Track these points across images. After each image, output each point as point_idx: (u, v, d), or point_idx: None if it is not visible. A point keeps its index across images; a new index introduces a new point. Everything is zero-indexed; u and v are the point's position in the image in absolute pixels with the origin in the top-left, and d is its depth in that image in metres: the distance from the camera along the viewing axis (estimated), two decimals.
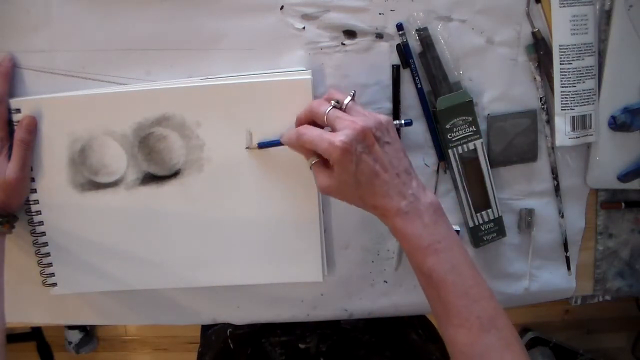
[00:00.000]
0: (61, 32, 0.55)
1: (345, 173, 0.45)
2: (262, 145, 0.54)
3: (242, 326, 0.64)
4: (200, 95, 0.54)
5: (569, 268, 0.63)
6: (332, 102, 0.48)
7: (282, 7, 0.54)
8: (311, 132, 0.47)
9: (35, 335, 1.51)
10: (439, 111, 0.55)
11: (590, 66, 0.56)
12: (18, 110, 0.55)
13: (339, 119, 0.46)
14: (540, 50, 0.56)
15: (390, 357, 0.63)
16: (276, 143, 0.53)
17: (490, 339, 0.44)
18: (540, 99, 0.57)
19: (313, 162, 0.48)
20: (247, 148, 0.55)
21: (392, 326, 0.65)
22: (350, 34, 0.55)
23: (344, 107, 0.48)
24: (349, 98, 0.48)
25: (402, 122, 0.51)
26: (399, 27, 0.54)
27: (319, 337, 0.65)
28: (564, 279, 0.63)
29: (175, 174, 0.57)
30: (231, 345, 0.68)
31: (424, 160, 0.59)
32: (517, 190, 0.60)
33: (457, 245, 0.46)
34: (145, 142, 0.56)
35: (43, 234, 0.58)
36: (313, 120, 0.49)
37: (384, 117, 0.47)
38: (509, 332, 0.45)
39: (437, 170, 0.59)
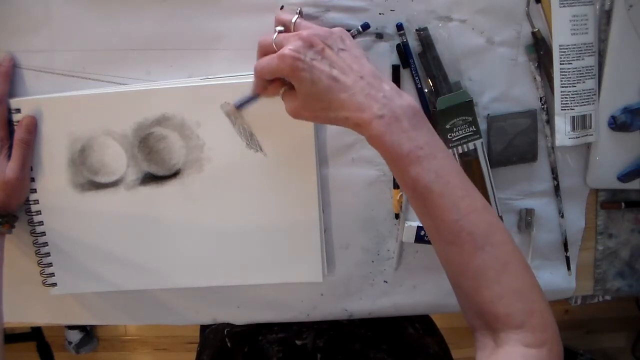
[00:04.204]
0: (61, 32, 0.55)
1: (303, 85, 0.43)
2: (239, 105, 0.53)
3: (240, 324, 0.64)
4: (200, 95, 0.54)
5: (569, 268, 0.63)
6: (277, 28, 0.46)
7: (282, 7, 0.54)
8: (262, 60, 0.45)
9: (35, 335, 1.51)
10: (439, 111, 0.55)
11: (590, 66, 0.56)
12: (18, 110, 0.55)
13: (286, 38, 0.44)
14: (540, 50, 0.56)
15: (387, 350, 0.62)
16: (250, 97, 0.52)
17: (485, 257, 0.41)
18: (540, 99, 0.57)
19: (282, 92, 0.47)
20: (234, 121, 0.54)
21: (389, 320, 0.65)
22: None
23: (292, 27, 0.46)
24: (296, 16, 0.46)
25: (359, 27, 0.49)
26: (399, 27, 0.54)
27: (315, 332, 0.65)
28: (564, 279, 0.63)
29: (175, 174, 0.57)
30: (228, 344, 0.67)
31: None
32: (517, 190, 0.60)
33: (441, 152, 0.42)
34: (145, 142, 0.56)
35: (43, 234, 0.58)
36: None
37: (336, 28, 0.45)
38: (507, 248, 0.42)
39: None
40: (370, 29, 0.55)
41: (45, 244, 0.59)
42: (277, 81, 0.47)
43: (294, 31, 0.46)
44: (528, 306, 0.41)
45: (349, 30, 0.48)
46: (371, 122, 0.41)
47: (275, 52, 0.44)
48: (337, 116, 0.43)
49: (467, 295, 0.43)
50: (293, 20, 0.46)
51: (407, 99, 0.43)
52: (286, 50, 0.42)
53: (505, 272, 0.41)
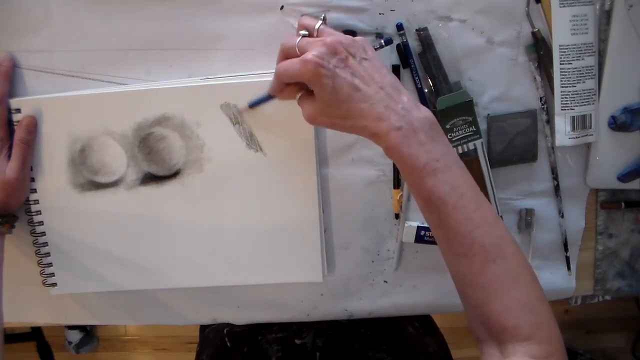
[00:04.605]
0: (61, 32, 0.55)
1: (323, 91, 0.43)
2: (253, 105, 0.53)
3: (240, 324, 0.64)
4: (200, 95, 0.54)
5: (569, 268, 0.63)
6: (301, 32, 0.46)
7: (282, 7, 0.54)
8: (284, 63, 0.45)
9: (35, 335, 1.51)
10: (439, 111, 0.55)
11: (590, 66, 0.56)
12: (18, 110, 0.55)
13: (309, 43, 0.44)
14: (540, 50, 0.56)
15: (387, 350, 0.63)
16: (265, 98, 0.52)
17: (495, 269, 0.41)
18: (540, 99, 0.57)
19: (299, 96, 0.47)
20: (235, 121, 0.54)
21: (389, 319, 0.65)
22: (350, 34, 0.55)
23: (315, 33, 0.46)
24: (320, 22, 0.46)
25: (382, 41, 0.49)
26: (399, 27, 0.54)
27: (315, 332, 0.65)
28: (564, 279, 0.63)
29: (175, 174, 0.57)
30: (228, 344, 0.68)
31: None
32: (517, 190, 0.60)
33: (456, 165, 0.43)
34: (145, 142, 0.56)
35: (43, 234, 0.58)
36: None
37: (359, 37, 0.45)
38: (517, 261, 0.42)
39: None
40: (370, 29, 0.55)
41: (45, 244, 0.59)
42: (294, 85, 0.47)
43: (317, 37, 0.46)
44: (536, 319, 0.42)
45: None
46: (389, 133, 0.42)
47: (297, 56, 0.45)
48: (355, 125, 0.43)
49: (475, 306, 0.43)
50: (316, 27, 0.46)
51: (424, 111, 0.43)
52: (310, 55, 0.42)
53: (515, 285, 0.42)
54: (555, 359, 0.41)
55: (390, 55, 0.56)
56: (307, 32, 0.46)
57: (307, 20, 0.47)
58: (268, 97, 0.51)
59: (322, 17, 0.48)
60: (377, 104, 0.42)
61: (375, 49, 0.47)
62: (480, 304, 0.43)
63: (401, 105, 0.43)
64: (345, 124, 0.44)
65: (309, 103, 0.46)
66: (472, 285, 0.43)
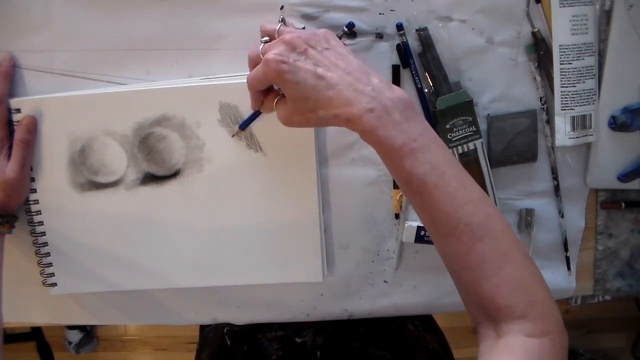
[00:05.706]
0: (61, 32, 0.55)
1: (289, 87, 0.42)
2: (243, 126, 0.54)
3: (240, 324, 0.64)
4: (200, 95, 0.54)
5: (569, 268, 0.63)
6: (263, 39, 0.46)
7: (282, 7, 0.54)
8: (251, 72, 0.45)
9: (35, 335, 1.51)
10: (439, 111, 0.55)
11: (590, 66, 0.56)
12: (18, 110, 0.55)
13: (270, 46, 0.44)
14: (540, 50, 0.56)
15: (386, 347, 0.62)
16: (252, 116, 0.52)
17: (484, 248, 0.40)
18: (540, 99, 0.57)
19: (275, 102, 0.47)
20: (232, 136, 0.55)
21: (388, 317, 0.65)
22: (350, 34, 0.55)
23: (276, 35, 0.46)
24: (280, 24, 0.47)
25: (344, 28, 0.49)
26: (399, 27, 0.54)
27: (315, 330, 0.65)
28: (564, 279, 0.63)
29: (175, 174, 0.57)
30: (228, 342, 0.68)
31: None
32: (517, 190, 0.60)
33: (435, 143, 0.42)
34: (145, 142, 0.56)
35: (43, 234, 0.58)
36: None
37: (321, 30, 0.45)
38: (506, 239, 0.41)
39: None
40: (371, 29, 0.55)
41: (45, 244, 0.59)
42: (271, 93, 0.47)
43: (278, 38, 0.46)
44: (529, 297, 0.41)
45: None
46: (362, 116, 0.41)
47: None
48: (327, 115, 0.43)
49: (467, 287, 0.43)
50: (276, 29, 0.47)
51: (397, 91, 0.42)
52: (270, 55, 0.42)
53: (505, 263, 0.41)
54: (553, 336, 0.40)
55: (390, 55, 0.56)
56: (268, 38, 0.47)
57: (267, 26, 0.47)
58: (255, 115, 0.52)
59: (280, 19, 0.49)
60: (345, 89, 0.41)
61: (339, 37, 0.47)
62: (472, 284, 0.42)
63: (371, 87, 0.41)
64: (317, 116, 0.43)
65: (283, 105, 0.46)
66: (462, 265, 0.42)
